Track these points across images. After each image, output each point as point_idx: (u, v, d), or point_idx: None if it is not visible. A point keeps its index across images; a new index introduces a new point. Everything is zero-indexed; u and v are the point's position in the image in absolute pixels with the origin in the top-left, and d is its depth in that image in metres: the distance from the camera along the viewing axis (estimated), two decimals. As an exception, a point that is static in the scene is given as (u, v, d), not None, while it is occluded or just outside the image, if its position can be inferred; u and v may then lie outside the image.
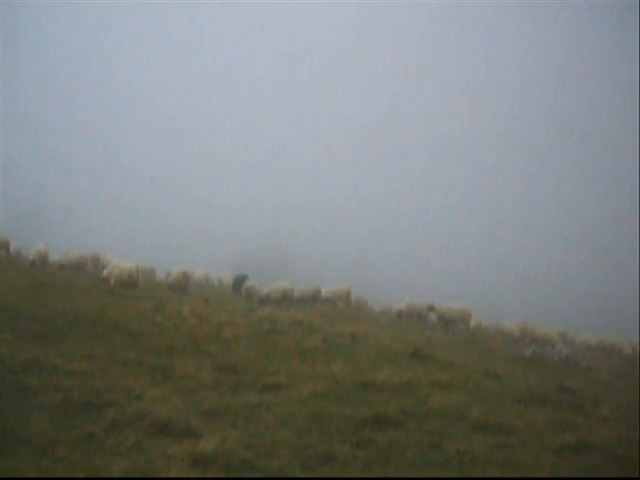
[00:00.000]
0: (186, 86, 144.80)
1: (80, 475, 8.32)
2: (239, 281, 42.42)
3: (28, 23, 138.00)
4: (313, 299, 41.22)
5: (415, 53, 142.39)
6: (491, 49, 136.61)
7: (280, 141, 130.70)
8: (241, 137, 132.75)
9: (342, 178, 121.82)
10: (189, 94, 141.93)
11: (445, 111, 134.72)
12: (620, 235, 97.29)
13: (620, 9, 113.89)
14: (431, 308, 37.36)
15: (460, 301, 38.32)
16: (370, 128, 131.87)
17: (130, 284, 32.61)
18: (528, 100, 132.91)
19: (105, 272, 33.85)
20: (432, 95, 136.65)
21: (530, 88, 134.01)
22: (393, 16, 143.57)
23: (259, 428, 10.99)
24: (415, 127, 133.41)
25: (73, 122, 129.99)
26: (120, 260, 36.50)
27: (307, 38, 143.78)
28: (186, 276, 38.08)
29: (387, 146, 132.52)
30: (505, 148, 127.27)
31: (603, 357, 33.78)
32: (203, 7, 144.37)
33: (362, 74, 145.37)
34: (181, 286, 37.08)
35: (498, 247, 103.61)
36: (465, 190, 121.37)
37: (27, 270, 35.29)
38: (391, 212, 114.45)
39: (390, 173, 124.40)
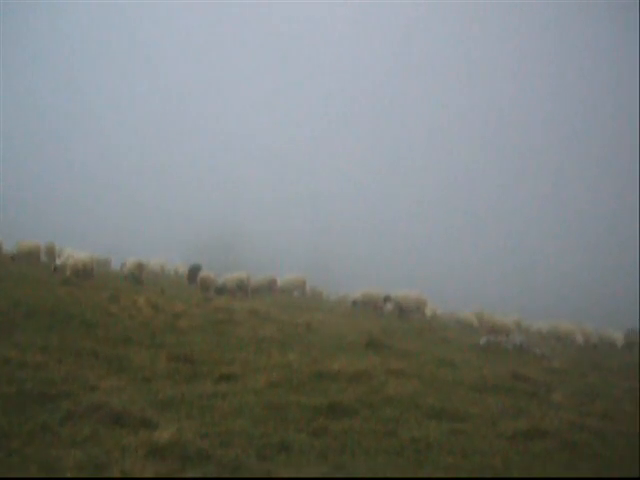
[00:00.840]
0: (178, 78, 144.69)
1: (34, 467, 8.27)
2: (194, 271, 42.25)
3: (29, 22, 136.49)
4: (269, 289, 41.27)
5: (415, 53, 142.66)
6: (491, 49, 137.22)
7: (230, 129, 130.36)
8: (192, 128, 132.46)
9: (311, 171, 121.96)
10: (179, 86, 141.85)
11: (444, 108, 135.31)
12: (620, 231, 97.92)
13: (620, 9, 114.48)
14: (387, 299, 37.51)
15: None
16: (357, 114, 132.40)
17: (85, 274, 32.39)
18: (527, 97, 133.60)
19: (58, 262, 33.59)
20: (431, 91, 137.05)
21: (528, 84, 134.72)
22: (393, 15, 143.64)
23: (215, 418, 11.00)
24: (413, 121, 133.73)
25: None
26: (75, 250, 36.16)
27: (307, 38, 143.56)
28: (140, 266, 37.88)
29: (378, 136, 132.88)
30: (504, 145, 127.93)
31: (556, 345, 34.15)
32: (203, 7, 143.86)
33: (361, 73, 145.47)
34: (136, 276, 36.90)
35: (495, 244, 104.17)
36: (464, 189, 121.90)
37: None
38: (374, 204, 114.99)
39: (375, 164, 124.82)
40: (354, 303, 39.66)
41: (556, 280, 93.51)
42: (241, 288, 37.57)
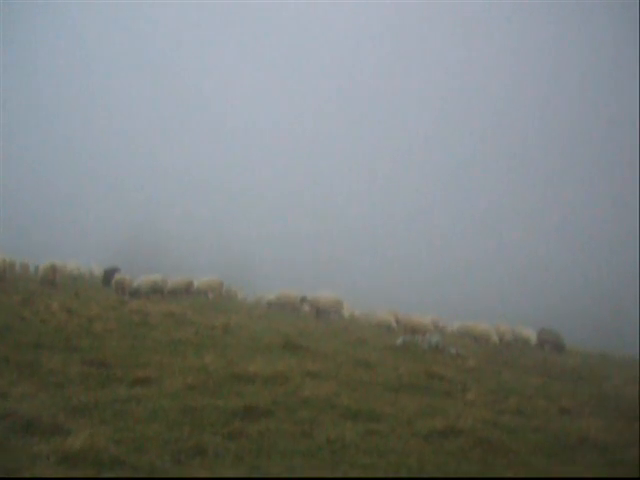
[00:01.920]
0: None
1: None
2: (109, 274, 41.69)
3: (29, 22, 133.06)
4: (186, 291, 40.96)
5: (415, 54, 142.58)
6: (491, 50, 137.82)
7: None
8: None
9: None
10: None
11: (444, 109, 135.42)
12: (620, 233, 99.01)
13: (620, 9, 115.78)
14: (303, 299, 37.59)
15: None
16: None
17: (-4, 278, 31.81)
18: (526, 97, 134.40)
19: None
20: (430, 93, 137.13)
21: (526, 84, 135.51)
22: (392, 14, 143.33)
23: (129, 423, 10.85)
24: (412, 121, 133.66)
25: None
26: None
27: (306, 39, 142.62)
28: (54, 269, 37.23)
29: (377, 136, 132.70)
30: (504, 145, 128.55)
31: (472, 344, 34.61)
32: (204, 7, 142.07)
33: (361, 75, 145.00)
34: (50, 280, 36.27)
35: (495, 245, 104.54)
36: (463, 189, 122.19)
37: None
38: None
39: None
40: (269, 304, 39.65)
41: (554, 282, 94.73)
42: (156, 290, 37.19)
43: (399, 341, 26.50)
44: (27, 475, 8.14)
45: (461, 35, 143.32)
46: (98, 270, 50.66)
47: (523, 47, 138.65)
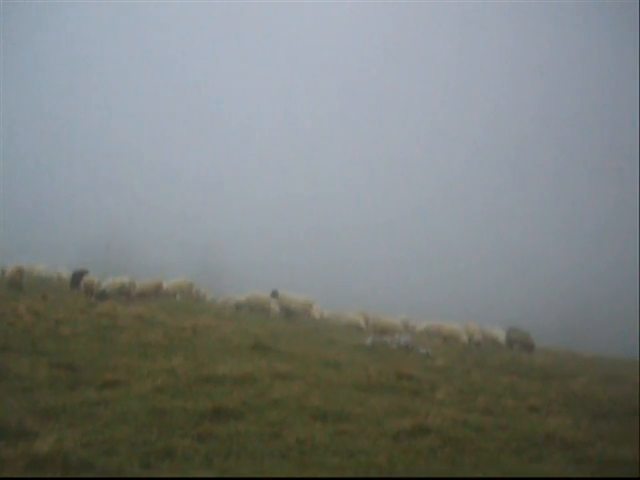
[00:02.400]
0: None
1: None
2: (77, 276, 41.36)
3: (29, 24, 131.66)
4: (155, 293, 40.78)
5: (415, 51, 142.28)
6: (491, 49, 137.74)
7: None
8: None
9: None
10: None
11: (443, 108, 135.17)
12: (620, 233, 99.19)
13: (621, 8, 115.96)
14: (274, 294, 37.48)
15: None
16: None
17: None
18: (525, 97, 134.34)
19: None
20: (429, 93, 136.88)
21: (525, 84, 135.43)
22: (392, 15, 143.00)
23: (97, 426, 10.80)
24: (411, 121, 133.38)
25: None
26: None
27: (305, 39, 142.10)
28: (20, 272, 36.96)
29: (377, 136, 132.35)
30: (503, 146, 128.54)
31: (441, 344, 34.73)
32: (203, 6, 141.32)
33: (361, 74, 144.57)
34: (16, 283, 36.01)
35: (493, 246, 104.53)
36: (462, 189, 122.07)
37: None
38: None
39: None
40: (237, 306, 39.61)
41: (554, 281, 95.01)
42: (123, 293, 36.97)
43: (368, 341, 26.58)
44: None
45: (461, 34, 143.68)
46: (67, 273, 50.20)
47: (523, 47, 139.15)
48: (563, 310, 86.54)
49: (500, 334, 39.87)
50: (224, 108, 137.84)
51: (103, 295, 35.74)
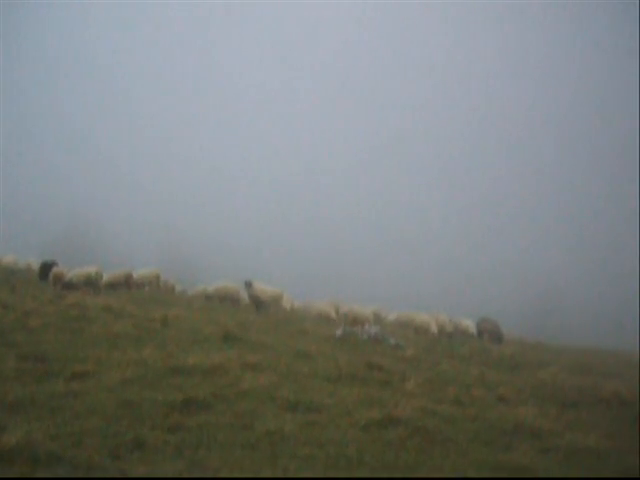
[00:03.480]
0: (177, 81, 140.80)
1: None
2: (46, 268, 41.03)
3: (28, 26, 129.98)
4: (125, 284, 40.57)
5: (416, 54, 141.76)
6: (491, 50, 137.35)
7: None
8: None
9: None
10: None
11: (443, 107, 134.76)
12: (621, 239, 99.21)
13: (620, 8, 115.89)
14: (248, 284, 37.26)
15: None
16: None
17: None
18: (526, 95, 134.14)
19: None
20: (432, 96, 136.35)
21: (530, 90, 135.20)
22: (392, 16, 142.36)
23: (66, 418, 10.76)
24: (415, 126, 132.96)
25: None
26: None
27: (305, 40, 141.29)
28: (-11, 263, 36.69)
29: (376, 136, 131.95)
30: (505, 150, 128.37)
31: (412, 335, 34.79)
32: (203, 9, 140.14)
33: (361, 74, 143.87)
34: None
35: (497, 252, 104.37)
36: (463, 192, 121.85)
37: None
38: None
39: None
40: (207, 297, 39.49)
41: (521, 271, 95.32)
42: (90, 283, 36.67)
43: (338, 332, 26.59)
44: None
45: (460, 31, 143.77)
46: (36, 264, 49.82)
47: (522, 45, 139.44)
48: (530, 300, 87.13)
49: (470, 325, 40.05)
50: (216, 96, 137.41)
51: (70, 285, 35.43)
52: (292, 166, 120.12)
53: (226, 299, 38.56)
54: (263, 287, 37.08)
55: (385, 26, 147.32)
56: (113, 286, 38.30)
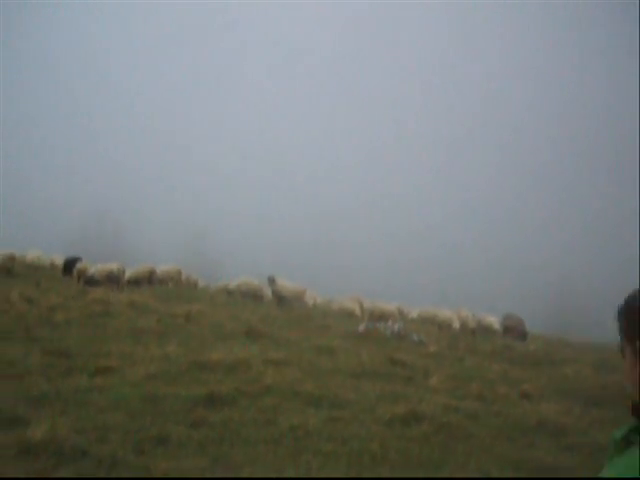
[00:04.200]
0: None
1: None
2: (70, 263, 41.25)
3: (27, 19, 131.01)
4: (148, 280, 40.74)
5: (415, 53, 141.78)
6: (491, 48, 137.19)
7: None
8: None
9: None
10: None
11: (444, 109, 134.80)
12: (621, 236, 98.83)
13: (620, 8, 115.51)
14: (271, 280, 37.23)
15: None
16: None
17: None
18: (526, 94, 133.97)
19: None
20: (430, 94, 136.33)
21: (528, 87, 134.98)
22: (392, 14, 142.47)
23: (90, 412, 10.80)
24: (413, 122, 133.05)
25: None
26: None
27: (305, 40, 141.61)
28: (12, 259, 36.85)
29: (376, 137, 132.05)
30: (504, 146, 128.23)
31: (435, 331, 34.68)
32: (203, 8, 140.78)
33: (362, 73, 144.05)
34: (7, 269, 35.93)
35: (494, 247, 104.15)
36: (463, 190, 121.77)
37: None
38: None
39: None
40: (229, 293, 39.57)
41: (544, 268, 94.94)
42: (111, 279, 36.80)
43: (361, 328, 26.56)
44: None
45: (458, 29, 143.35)
46: (60, 261, 50.03)
47: (525, 47, 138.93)
48: (553, 296, 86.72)
49: (494, 321, 39.84)
50: (221, 91, 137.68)
51: (92, 281, 35.59)
52: (311, 164, 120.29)
53: (248, 295, 38.59)
54: (286, 283, 37.09)
55: (385, 27, 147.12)
56: (136, 282, 38.44)
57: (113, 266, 37.13)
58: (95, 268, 36.82)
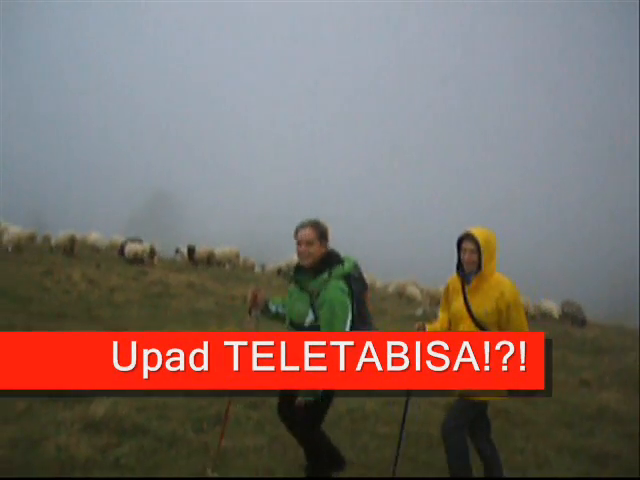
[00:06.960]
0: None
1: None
2: (124, 245, 41.83)
3: (30, 22, 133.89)
4: (207, 261, 41.16)
5: (417, 54, 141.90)
6: (491, 47, 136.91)
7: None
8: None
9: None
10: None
11: (443, 107, 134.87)
12: (621, 235, 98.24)
13: (621, 8, 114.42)
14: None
15: None
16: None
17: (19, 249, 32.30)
18: (527, 99, 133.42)
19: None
20: (432, 89, 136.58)
21: (530, 84, 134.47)
22: (392, 13, 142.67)
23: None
24: (414, 119, 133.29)
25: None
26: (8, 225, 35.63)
27: (305, 36, 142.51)
28: (73, 240, 37.34)
29: (377, 136, 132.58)
30: (504, 146, 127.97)
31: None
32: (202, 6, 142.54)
33: (362, 73, 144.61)
34: (68, 250, 36.47)
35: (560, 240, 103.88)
36: (462, 189, 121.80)
37: None
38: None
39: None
40: (279, 272, 39.85)
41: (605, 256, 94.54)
42: (143, 260, 37.26)
43: (419, 312, 26.52)
44: (52, 442, 8.25)
45: (461, 30, 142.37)
46: (120, 242, 50.64)
47: (523, 45, 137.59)
48: (616, 284, 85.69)
49: (553, 307, 39.46)
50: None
51: (135, 259, 36.42)
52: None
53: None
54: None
55: (385, 27, 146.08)
56: (198, 263, 39.03)
57: (145, 246, 38.03)
58: (129, 247, 37.64)
